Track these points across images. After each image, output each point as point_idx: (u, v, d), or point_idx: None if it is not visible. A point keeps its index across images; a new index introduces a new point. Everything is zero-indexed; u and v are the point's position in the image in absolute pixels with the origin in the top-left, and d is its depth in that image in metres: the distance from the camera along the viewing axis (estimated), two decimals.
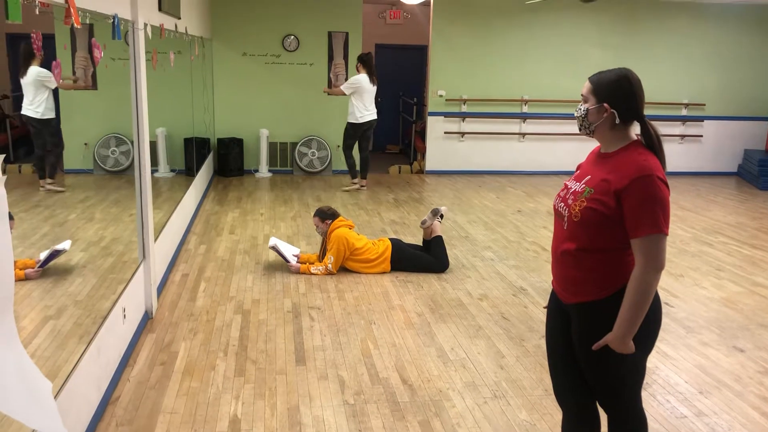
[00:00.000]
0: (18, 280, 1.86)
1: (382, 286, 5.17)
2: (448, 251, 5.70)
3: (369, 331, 4.33)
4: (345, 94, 8.54)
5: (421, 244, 5.83)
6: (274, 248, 5.47)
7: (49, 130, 4.24)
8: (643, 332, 2.26)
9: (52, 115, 4.21)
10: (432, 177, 10.20)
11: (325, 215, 5.53)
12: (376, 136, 12.54)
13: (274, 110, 9.95)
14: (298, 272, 5.38)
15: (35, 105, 4.06)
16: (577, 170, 2.46)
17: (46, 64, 3.38)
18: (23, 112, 4.10)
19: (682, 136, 10.81)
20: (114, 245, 4.98)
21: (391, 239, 5.63)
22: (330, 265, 5.34)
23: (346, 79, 9.89)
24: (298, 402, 3.42)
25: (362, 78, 8.40)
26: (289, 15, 9.76)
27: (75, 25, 2.79)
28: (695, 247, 6.53)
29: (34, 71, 3.95)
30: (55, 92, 4.25)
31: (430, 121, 10.35)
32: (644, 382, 2.40)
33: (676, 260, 6.07)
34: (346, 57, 9.93)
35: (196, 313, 4.56)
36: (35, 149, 4.38)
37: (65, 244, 4.08)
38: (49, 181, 4.57)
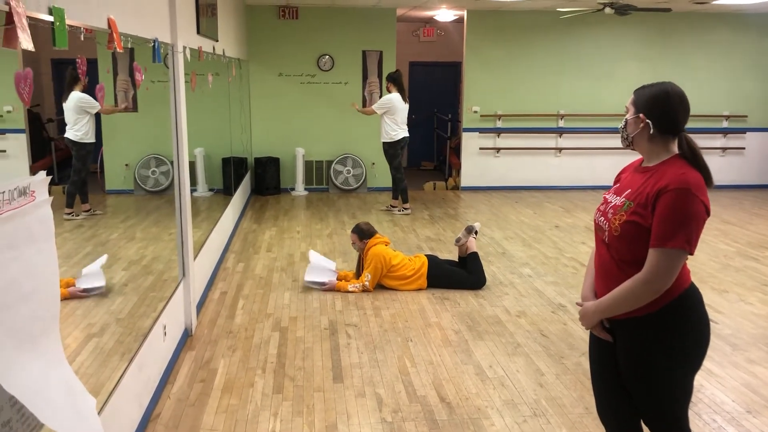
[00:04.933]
0: (63, 298, 1.91)
1: (419, 303, 5.15)
2: (485, 267, 5.66)
3: (406, 349, 4.31)
4: (376, 113, 8.39)
5: (457, 260, 5.80)
6: (311, 283, 5.46)
7: (81, 153, 4.28)
8: (691, 350, 2.22)
9: (90, 139, 4.27)
10: (467, 193, 10.17)
11: (363, 234, 5.54)
12: (410, 152, 12.62)
13: (309, 129, 10.05)
14: (333, 290, 5.40)
15: (75, 129, 4.15)
16: (615, 182, 2.44)
17: (91, 88, 3.47)
18: (66, 135, 4.20)
19: (724, 149, 10.59)
20: (154, 264, 5.06)
21: (426, 255, 5.61)
22: (367, 283, 5.34)
23: (380, 97, 9.97)
24: (335, 420, 3.41)
25: (394, 97, 8.25)
26: (324, 35, 9.88)
27: (117, 49, 2.87)
28: (740, 262, 6.36)
29: (75, 96, 4.04)
30: (98, 118, 4.34)
31: (465, 137, 10.33)
32: (690, 401, 2.33)
33: (720, 275, 5.92)
34: (380, 75, 9.99)
35: (235, 330, 4.61)
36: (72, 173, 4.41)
37: (99, 281, 4.08)
38: (85, 207, 4.61)
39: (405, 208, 8.58)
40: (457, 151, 10.79)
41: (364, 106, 10.04)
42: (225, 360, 4.12)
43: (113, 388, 2.91)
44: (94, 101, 4.06)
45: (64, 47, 2.20)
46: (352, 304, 5.12)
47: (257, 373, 3.94)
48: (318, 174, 10.20)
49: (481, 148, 10.33)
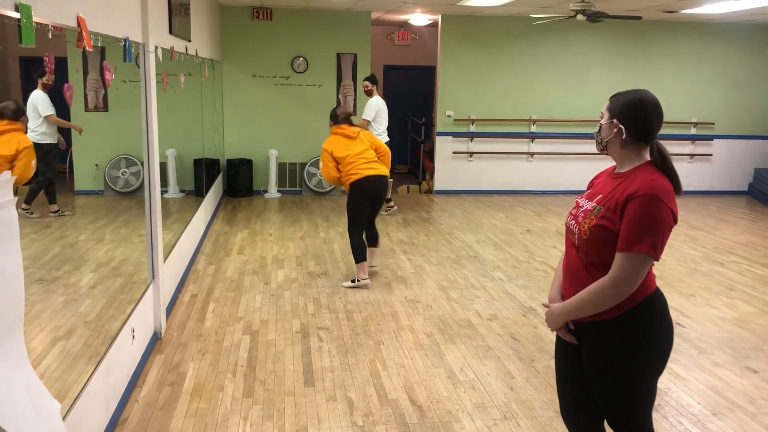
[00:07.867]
0: None
1: (391, 306, 5.15)
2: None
3: (377, 352, 4.31)
4: (370, 121, 8.20)
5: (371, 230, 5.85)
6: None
7: (40, 155, 4.17)
8: (654, 353, 2.25)
9: (50, 140, 4.14)
10: (440, 197, 10.21)
11: (332, 117, 5.67)
12: None
13: (283, 131, 10.01)
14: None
15: (32, 128, 4.04)
16: (589, 188, 2.48)
17: (59, 87, 3.41)
18: (28, 134, 4.08)
19: (692, 155, 10.78)
20: (123, 266, 5.00)
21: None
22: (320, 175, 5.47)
23: (355, 100, 9.99)
24: (306, 423, 3.40)
25: (379, 101, 8.22)
26: (298, 37, 9.85)
27: (87, 48, 2.83)
28: (706, 267, 6.48)
29: (32, 95, 3.94)
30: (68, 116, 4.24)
31: (439, 141, 10.38)
32: (656, 403, 2.37)
33: (688, 280, 6.02)
34: (354, 78, 9.99)
35: (205, 333, 4.56)
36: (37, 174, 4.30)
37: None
38: (53, 207, 4.51)
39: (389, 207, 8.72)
40: (430, 154, 10.83)
41: (337, 105, 10.04)
42: (195, 363, 4.08)
43: (79, 392, 2.86)
44: (47, 106, 3.95)
45: (31, 45, 2.16)
46: (324, 307, 5.11)
47: (227, 376, 3.91)
48: (291, 176, 10.16)
49: (454, 152, 10.38)
